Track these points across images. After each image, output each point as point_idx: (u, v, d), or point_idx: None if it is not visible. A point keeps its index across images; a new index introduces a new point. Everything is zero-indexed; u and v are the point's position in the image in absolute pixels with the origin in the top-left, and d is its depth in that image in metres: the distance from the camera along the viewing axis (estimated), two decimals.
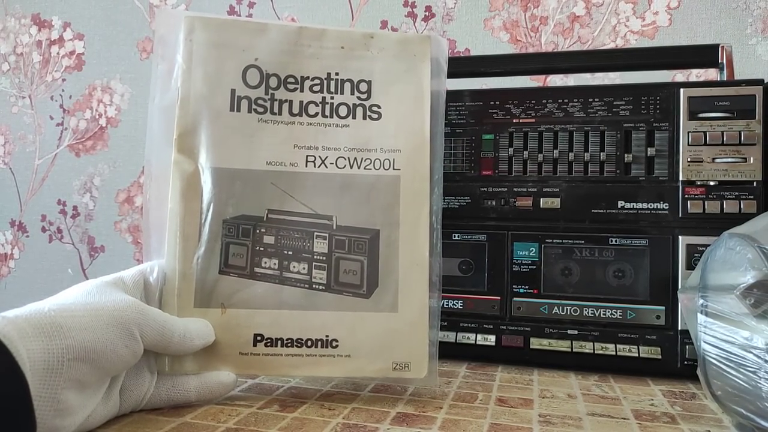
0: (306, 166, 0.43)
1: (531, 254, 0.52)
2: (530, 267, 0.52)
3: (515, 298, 0.52)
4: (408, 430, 0.35)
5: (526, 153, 0.53)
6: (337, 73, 0.45)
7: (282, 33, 0.45)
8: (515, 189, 0.53)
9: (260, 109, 0.44)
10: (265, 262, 0.43)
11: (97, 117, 1.16)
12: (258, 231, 0.43)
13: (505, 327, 0.52)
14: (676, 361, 0.48)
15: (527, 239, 0.52)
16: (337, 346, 0.41)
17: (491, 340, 0.52)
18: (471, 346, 0.52)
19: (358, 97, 0.45)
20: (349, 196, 0.43)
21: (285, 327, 0.41)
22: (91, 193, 1.16)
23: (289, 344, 0.41)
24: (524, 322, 0.52)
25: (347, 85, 0.45)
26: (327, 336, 0.41)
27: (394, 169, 0.44)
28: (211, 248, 0.42)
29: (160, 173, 0.43)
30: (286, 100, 0.44)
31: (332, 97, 0.45)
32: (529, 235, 0.52)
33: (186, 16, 0.44)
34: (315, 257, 0.43)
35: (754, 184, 0.48)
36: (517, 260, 0.52)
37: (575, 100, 0.53)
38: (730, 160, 0.49)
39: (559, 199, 0.52)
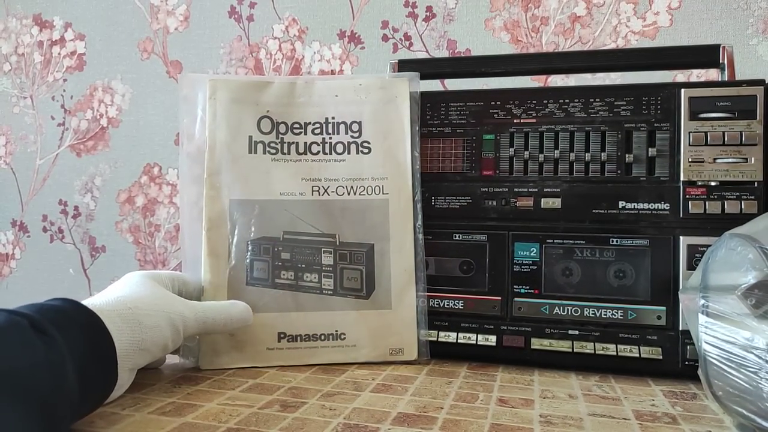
0: (312, 194, 0.53)
1: (532, 254, 0.52)
2: (531, 267, 0.52)
3: (516, 299, 0.52)
4: (409, 431, 0.35)
5: (527, 153, 0.53)
6: (333, 117, 0.54)
7: (281, 88, 0.54)
8: (516, 189, 0.53)
9: (273, 151, 0.53)
10: (284, 274, 0.52)
11: (98, 117, 1.16)
12: (276, 249, 0.52)
13: (505, 327, 0.52)
14: (677, 362, 0.48)
15: (528, 239, 0.52)
16: (345, 338, 0.51)
17: (492, 340, 0.52)
18: (472, 346, 0.52)
19: (352, 136, 0.54)
20: (347, 217, 0.52)
21: (302, 325, 0.51)
22: (92, 193, 1.16)
23: (306, 339, 0.51)
24: (525, 323, 0.52)
25: (342, 127, 0.54)
26: (336, 330, 0.51)
27: (383, 193, 0.53)
28: (239, 265, 0.51)
29: (191, 204, 0.53)
30: (293, 142, 0.54)
31: (330, 138, 0.54)
32: (530, 236, 0.52)
33: (210, 80, 0.54)
34: (323, 268, 0.52)
35: (755, 184, 0.48)
36: (517, 260, 0.52)
37: (576, 101, 0.53)
38: (731, 160, 0.49)
39: (560, 200, 0.52)
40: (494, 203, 0.54)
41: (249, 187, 0.52)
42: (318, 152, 0.54)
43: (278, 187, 0.53)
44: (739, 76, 0.54)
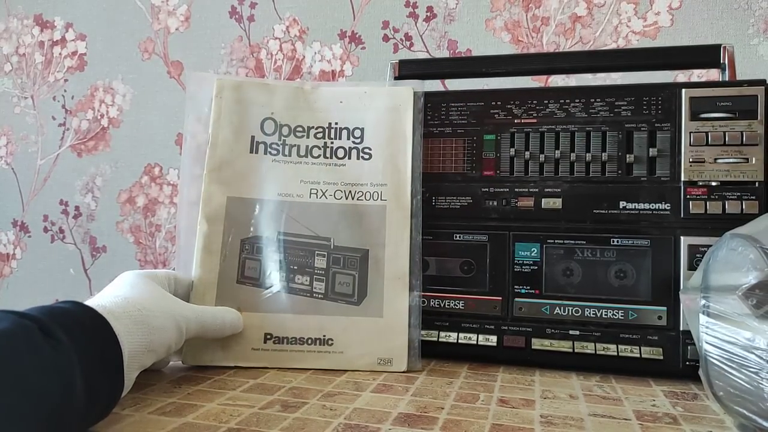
0: (310, 197, 0.53)
1: (532, 255, 0.52)
2: (532, 267, 0.52)
3: (517, 299, 0.52)
4: (410, 431, 0.35)
5: (527, 153, 0.53)
6: (336, 123, 0.55)
7: (287, 92, 0.56)
8: (517, 189, 0.53)
9: (273, 152, 0.54)
10: (275, 275, 0.51)
11: (99, 117, 1.16)
12: (269, 249, 0.52)
13: (506, 327, 0.52)
14: (678, 362, 0.48)
15: (529, 239, 0.52)
16: (332, 344, 0.49)
17: (493, 340, 0.52)
18: (472, 346, 0.52)
19: (353, 142, 0.54)
20: (344, 221, 0.52)
21: (290, 328, 0.50)
22: (93, 194, 1.16)
23: (293, 342, 0.50)
24: (526, 323, 0.52)
25: (344, 132, 0.55)
26: (324, 335, 0.50)
27: (381, 199, 0.53)
28: (232, 262, 0.51)
29: (190, 204, 0.53)
30: (294, 145, 0.54)
31: (332, 142, 0.54)
32: (531, 236, 0.52)
33: (217, 79, 0.55)
34: (315, 271, 0.51)
35: (756, 184, 0.48)
36: (518, 261, 0.52)
37: (577, 101, 0.53)
38: (732, 160, 0.49)
39: (560, 200, 0.52)
40: (495, 203, 0.54)
41: (247, 185, 0.53)
42: (319, 156, 0.54)
43: (277, 188, 0.53)
44: (740, 76, 0.54)
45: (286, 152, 0.54)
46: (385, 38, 0.98)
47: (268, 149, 0.54)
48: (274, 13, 1.04)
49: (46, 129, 1.20)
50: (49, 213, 1.20)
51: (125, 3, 1.14)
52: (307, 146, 0.54)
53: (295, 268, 0.51)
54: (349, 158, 0.54)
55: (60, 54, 1.19)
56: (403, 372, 0.48)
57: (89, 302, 0.37)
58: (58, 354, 0.30)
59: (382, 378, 0.47)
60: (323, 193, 0.53)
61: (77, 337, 0.32)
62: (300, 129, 0.55)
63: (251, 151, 0.54)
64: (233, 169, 0.53)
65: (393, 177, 0.53)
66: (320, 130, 0.55)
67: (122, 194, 1.14)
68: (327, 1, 1.01)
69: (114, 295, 0.40)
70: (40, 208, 1.20)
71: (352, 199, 0.53)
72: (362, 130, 0.54)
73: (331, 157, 0.54)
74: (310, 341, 0.49)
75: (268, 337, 0.50)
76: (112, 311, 0.36)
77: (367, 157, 0.54)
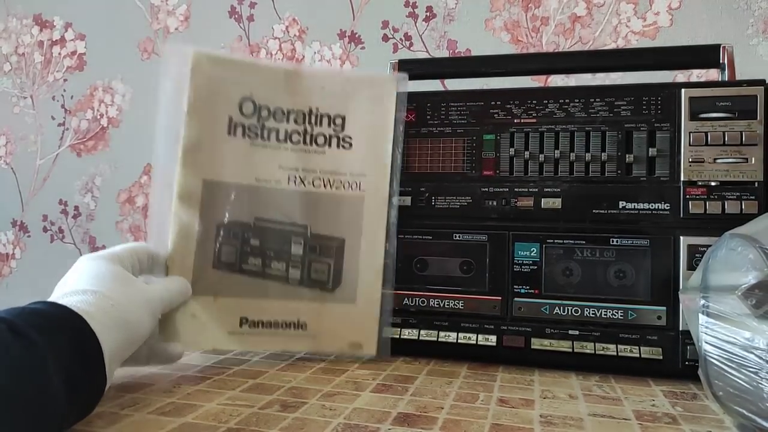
0: (288, 183, 0.52)
1: (532, 254, 0.52)
2: (531, 267, 0.52)
3: (516, 299, 0.52)
4: (409, 431, 0.35)
5: (527, 153, 0.53)
6: (317, 108, 0.53)
7: (268, 72, 0.54)
8: (516, 189, 0.53)
9: (252, 135, 0.52)
10: (251, 260, 0.51)
11: (98, 117, 1.16)
12: (246, 235, 0.51)
13: (506, 327, 0.52)
14: (678, 362, 0.48)
15: (528, 239, 0.52)
16: (306, 328, 0.51)
17: (492, 340, 0.52)
18: (472, 346, 0.52)
19: (334, 129, 0.54)
20: (321, 210, 0.52)
21: (265, 312, 0.51)
22: (92, 193, 1.16)
23: (267, 326, 0.50)
24: (525, 323, 0.52)
25: (325, 119, 0.54)
26: (298, 320, 0.51)
27: (360, 189, 0.53)
28: (208, 247, 0.50)
29: (164, 183, 0.50)
30: (274, 129, 0.53)
31: (312, 128, 0.53)
32: (530, 236, 0.52)
33: (194, 53, 0.51)
34: (292, 258, 0.52)
35: (756, 184, 0.48)
36: (518, 260, 0.52)
37: (576, 101, 0.53)
38: (731, 160, 0.49)
39: (560, 200, 0.52)
40: (494, 203, 0.54)
41: (225, 169, 0.51)
42: (298, 142, 0.53)
43: (255, 173, 0.51)
44: (739, 76, 0.54)
45: (265, 136, 0.52)
46: (385, 38, 0.98)
47: (247, 132, 0.52)
48: (274, 13, 1.04)
49: (46, 129, 1.20)
50: (49, 213, 1.20)
51: (125, 3, 1.14)
52: (286, 131, 0.53)
53: (272, 254, 0.51)
54: (329, 146, 0.53)
55: (59, 54, 1.19)
56: (374, 359, 0.50)
57: (53, 298, 0.37)
58: (29, 352, 0.29)
59: (382, 378, 0.47)
60: (302, 180, 0.52)
61: (51, 335, 0.31)
62: (280, 112, 0.53)
63: (229, 133, 0.51)
64: (210, 151, 0.50)
65: (373, 168, 0.53)
66: (300, 114, 0.53)
67: (122, 194, 1.14)
68: (327, 1, 1.01)
69: (82, 290, 0.38)
70: (40, 207, 1.20)
71: (331, 187, 0.52)
72: (344, 118, 0.54)
73: (311, 144, 0.53)
74: (284, 325, 0.50)
75: (244, 321, 0.50)
76: (86, 310, 0.35)
77: (347, 146, 0.53)
